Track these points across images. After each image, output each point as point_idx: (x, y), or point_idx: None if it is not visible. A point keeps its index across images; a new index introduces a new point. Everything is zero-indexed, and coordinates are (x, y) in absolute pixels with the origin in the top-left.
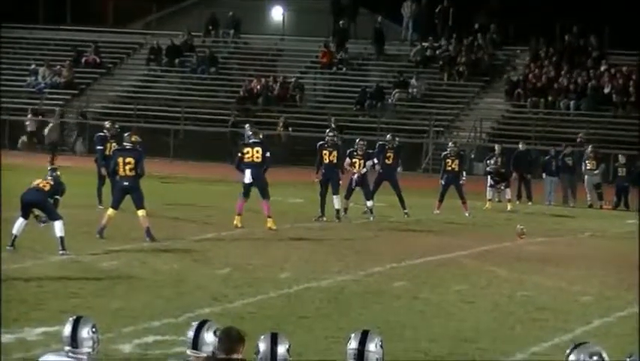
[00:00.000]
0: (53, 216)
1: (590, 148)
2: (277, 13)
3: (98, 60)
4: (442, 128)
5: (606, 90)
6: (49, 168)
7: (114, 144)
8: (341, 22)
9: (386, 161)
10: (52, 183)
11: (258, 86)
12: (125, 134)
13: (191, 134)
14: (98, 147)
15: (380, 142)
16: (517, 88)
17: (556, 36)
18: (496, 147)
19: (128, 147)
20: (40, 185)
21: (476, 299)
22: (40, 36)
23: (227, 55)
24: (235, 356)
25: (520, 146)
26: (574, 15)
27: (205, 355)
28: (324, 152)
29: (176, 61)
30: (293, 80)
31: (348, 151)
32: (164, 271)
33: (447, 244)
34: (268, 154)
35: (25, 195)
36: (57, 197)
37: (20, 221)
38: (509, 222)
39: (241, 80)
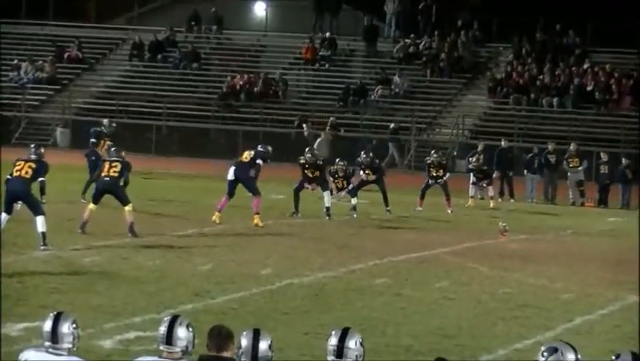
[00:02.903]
0: (36, 210)
1: (573, 146)
2: (260, 9)
3: (80, 56)
4: (424, 125)
5: (589, 88)
6: (31, 146)
7: (108, 142)
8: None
9: (368, 178)
10: (33, 166)
11: (241, 82)
12: (112, 149)
13: (173, 130)
14: (92, 140)
15: (358, 160)
16: (499, 85)
17: (539, 33)
18: (479, 144)
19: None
20: (23, 172)
21: (458, 296)
22: (22, 31)
23: (210, 51)
24: (225, 353)
25: (502, 143)
26: (556, 12)
27: (179, 349)
28: (306, 171)
29: (159, 56)
30: (276, 76)
31: (329, 171)
32: (146, 267)
33: (429, 241)
34: (260, 162)
35: (8, 185)
36: (42, 179)
37: (3, 216)
38: (491, 220)
39: (223, 76)
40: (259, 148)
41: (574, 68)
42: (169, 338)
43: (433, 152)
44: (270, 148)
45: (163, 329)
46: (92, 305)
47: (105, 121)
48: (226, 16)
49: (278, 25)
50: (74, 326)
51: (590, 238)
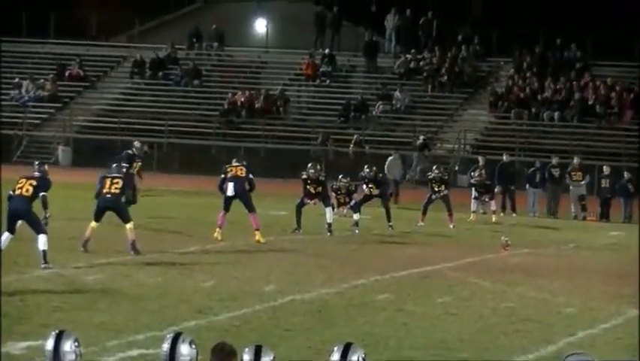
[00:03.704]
0: (38, 229)
1: (575, 160)
2: (261, 26)
3: (81, 73)
4: (426, 140)
5: (590, 102)
6: (36, 163)
7: (139, 163)
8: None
9: (372, 192)
10: (34, 183)
11: (242, 99)
12: (114, 165)
13: (174, 147)
14: (124, 164)
15: (361, 174)
16: (500, 99)
17: (540, 47)
18: (480, 158)
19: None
20: (23, 190)
21: (460, 311)
22: (23, 49)
23: (211, 67)
24: None
25: (503, 157)
26: (557, 26)
27: None
28: (308, 187)
29: (160, 74)
30: (277, 92)
31: (331, 187)
32: (148, 284)
33: (431, 256)
34: (251, 176)
35: (10, 204)
36: (43, 193)
37: (5, 236)
38: (493, 234)
39: (225, 93)
40: (244, 162)
41: (575, 82)
42: (172, 356)
43: (434, 167)
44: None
45: (166, 347)
46: (94, 323)
47: (137, 143)
48: (227, 33)
49: (278, 41)
50: (76, 344)
51: (592, 252)
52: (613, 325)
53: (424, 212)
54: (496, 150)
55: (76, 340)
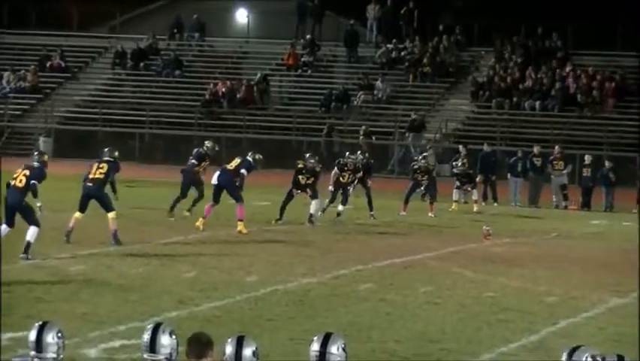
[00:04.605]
0: (29, 220)
1: (557, 149)
2: (242, 16)
3: (62, 64)
4: (402, 130)
5: (571, 91)
6: (35, 153)
7: (207, 163)
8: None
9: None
10: (27, 173)
11: (223, 89)
12: (106, 149)
13: (156, 137)
14: (192, 161)
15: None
16: (482, 89)
17: (521, 37)
18: (462, 148)
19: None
20: (17, 181)
21: (442, 300)
22: (4, 40)
23: (192, 58)
24: (205, 360)
25: (485, 147)
26: (538, 16)
27: (162, 357)
28: (300, 177)
29: (141, 64)
30: (258, 81)
31: (338, 162)
32: (130, 275)
33: (413, 246)
34: (243, 172)
35: (8, 196)
36: (33, 182)
37: (4, 227)
38: (475, 224)
39: (206, 83)
40: (247, 157)
41: (556, 71)
42: (152, 346)
43: (420, 157)
44: (259, 157)
45: (146, 337)
46: (76, 314)
47: (209, 143)
48: (208, 24)
49: (260, 31)
50: (59, 335)
51: (573, 241)
52: (595, 314)
53: (406, 202)
54: (478, 139)
55: (59, 331)
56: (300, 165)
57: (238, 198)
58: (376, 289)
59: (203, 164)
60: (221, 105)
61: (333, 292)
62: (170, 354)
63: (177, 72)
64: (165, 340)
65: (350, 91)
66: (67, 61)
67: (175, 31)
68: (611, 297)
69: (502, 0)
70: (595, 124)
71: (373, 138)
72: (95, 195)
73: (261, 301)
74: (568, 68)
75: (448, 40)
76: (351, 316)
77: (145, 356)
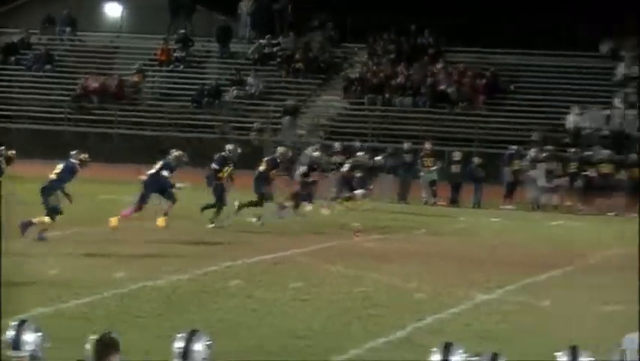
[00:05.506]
0: None
1: (427, 145)
2: (114, 10)
3: None
4: (279, 126)
5: (442, 87)
6: None
7: (232, 167)
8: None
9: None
10: None
11: (95, 84)
12: (73, 152)
13: (26, 132)
14: (215, 166)
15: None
16: (354, 85)
17: (393, 33)
18: (336, 144)
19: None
20: None
21: (312, 297)
22: None
23: (64, 52)
24: None
25: (356, 143)
26: (410, 12)
27: (27, 354)
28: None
29: (12, 59)
30: (130, 77)
31: (278, 161)
32: None
33: (283, 243)
34: (165, 173)
35: None
36: None
37: None
38: (345, 220)
39: (77, 78)
40: (168, 157)
41: (428, 68)
42: (16, 343)
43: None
44: (178, 154)
45: (10, 334)
46: None
47: (230, 146)
48: (80, 18)
49: (132, 26)
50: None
51: (442, 237)
52: (461, 310)
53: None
54: (350, 135)
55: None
56: (279, 160)
57: (168, 198)
58: (245, 286)
59: (226, 169)
60: (91, 100)
61: (203, 289)
62: (35, 351)
63: (48, 67)
64: (29, 337)
65: (222, 87)
66: None
67: (46, 25)
68: (477, 293)
69: None
70: (465, 120)
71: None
72: (41, 192)
73: (129, 298)
74: (439, 65)
75: (321, 36)
76: (220, 312)
77: (9, 353)
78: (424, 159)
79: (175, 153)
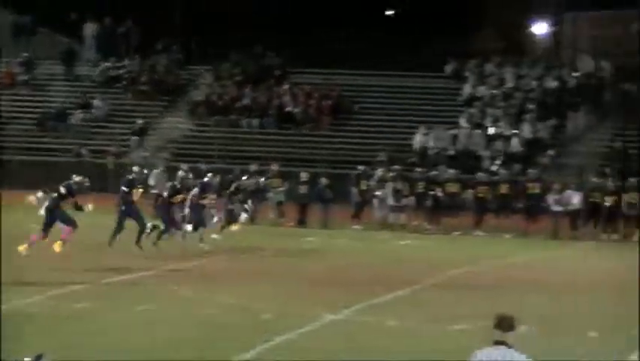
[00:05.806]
0: None
1: (274, 166)
2: None
3: None
4: (125, 149)
5: (288, 109)
6: None
7: (140, 190)
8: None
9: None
10: None
11: None
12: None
13: None
14: (123, 188)
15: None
16: (199, 107)
17: (239, 55)
18: (182, 166)
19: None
20: None
21: (159, 319)
22: None
23: None
24: None
25: (202, 166)
26: (256, 33)
27: None
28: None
29: None
30: None
31: (178, 187)
32: None
33: (130, 265)
34: (63, 190)
35: None
36: None
37: None
38: (194, 242)
39: None
40: (69, 182)
41: (274, 89)
42: None
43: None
44: (78, 180)
45: None
46: None
47: (135, 168)
48: None
49: None
50: None
51: (290, 257)
52: (308, 330)
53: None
54: (196, 157)
55: None
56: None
57: (69, 223)
58: (91, 308)
59: (135, 191)
60: None
61: (51, 312)
62: None
63: None
64: None
65: (68, 110)
66: None
67: None
68: (325, 313)
69: (221, 18)
70: (311, 141)
71: (126, 157)
72: None
73: None
74: (285, 86)
75: (166, 58)
76: (63, 336)
77: None
78: (271, 180)
79: (76, 178)
